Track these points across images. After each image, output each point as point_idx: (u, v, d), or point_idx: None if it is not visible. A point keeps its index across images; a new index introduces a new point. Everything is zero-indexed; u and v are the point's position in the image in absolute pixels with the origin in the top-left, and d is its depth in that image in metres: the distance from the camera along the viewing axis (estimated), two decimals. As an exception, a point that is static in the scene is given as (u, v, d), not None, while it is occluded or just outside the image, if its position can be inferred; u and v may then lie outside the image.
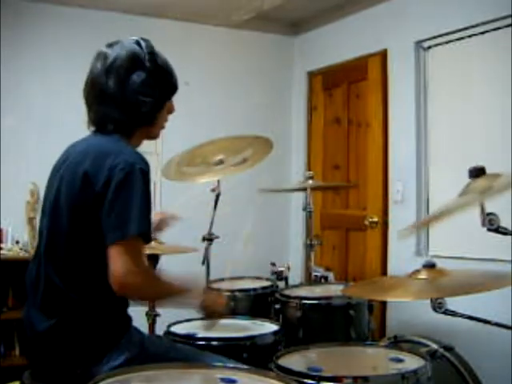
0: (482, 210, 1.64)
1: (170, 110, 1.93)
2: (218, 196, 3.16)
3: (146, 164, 1.72)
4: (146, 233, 1.67)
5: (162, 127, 1.94)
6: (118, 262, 1.61)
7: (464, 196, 1.73)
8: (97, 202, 1.65)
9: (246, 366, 1.77)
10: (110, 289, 1.68)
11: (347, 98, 4.43)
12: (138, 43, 1.82)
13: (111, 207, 1.63)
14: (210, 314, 2.00)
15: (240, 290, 3.00)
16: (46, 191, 1.84)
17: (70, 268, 1.69)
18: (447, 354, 2.25)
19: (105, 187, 1.64)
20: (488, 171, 1.74)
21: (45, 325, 1.68)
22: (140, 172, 1.67)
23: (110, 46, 1.82)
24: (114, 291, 1.63)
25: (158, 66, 1.81)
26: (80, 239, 1.69)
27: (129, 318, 1.79)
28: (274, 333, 2.31)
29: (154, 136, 1.92)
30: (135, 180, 1.65)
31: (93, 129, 1.84)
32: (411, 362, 1.84)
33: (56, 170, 1.83)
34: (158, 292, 1.78)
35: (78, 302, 1.68)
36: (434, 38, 3.71)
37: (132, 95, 1.76)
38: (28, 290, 1.78)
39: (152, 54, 1.81)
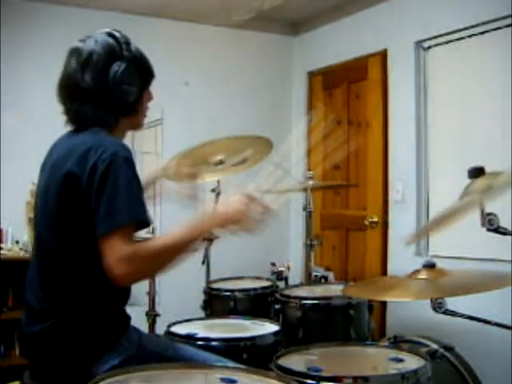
0: (482, 210, 1.64)
1: (149, 98, 1.91)
2: (217, 196, 3.16)
3: (128, 150, 1.70)
4: (138, 219, 1.63)
5: (144, 116, 1.91)
6: (109, 254, 1.57)
7: (465, 198, 1.73)
8: (84, 199, 1.63)
9: (245, 366, 1.77)
10: (107, 288, 1.68)
11: (347, 98, 4.43)
12: (110, 35, 1.79)
13: (98, 200, 1.60)
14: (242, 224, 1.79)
15: (240, 290, 3.00)
16: (36, 192, 1.84)
17: (66, 268, 1.69)
18: (447, 354, 2.25)
19: (89, 182, 1.61)
20: (487, 170, 1.74)
21: (43, 325, 1.68)
22: (123, 160, 1.64)
23: (82, 40, 1.80)
24: (113, 285, 1.60)
25: (135, 55, 1.81)
26: (73, 239, 1.68)
27: (127, 317, 1.79)
28: (274, 333, 2.31)
29: (138, 125, 1.91)
30: (119, 168, 1.62)
31: (72, 127, 1.81)
32: (411, 362, 1.84)
33: (41, 170, 1.83)
34: (163, 262, 1.66)
35: (76, 302, 1.67)
36: (434, 37, 3.71)
37: (115, 86, 1.74)
38: (27, 291, 1.78)
39: (127, 43, 1.80)
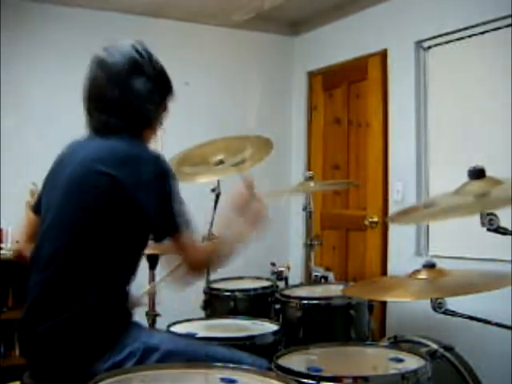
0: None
1: (165, 109, 1.95)
2: (217, 196, 3.16)
3: (166, 162, 1.81)
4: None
5: (161, 125, 1.97)
6: (186, 249, 1.80)
7: (458, 196, 1.72)
8: (126, 204, 1.69)
9: (248, 361, 1.78)
10: (109, 285, 1.70)
11: (347, 98, 4.43)
12: (135, 48, 1.83)
13: (156, 207, 1.73)
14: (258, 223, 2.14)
15: (240, 290, 3.00)
16: (46, 195, 1.84)
17: (71, 268, 1.69)
18: (447, 354, 2.25)
19: (136, 189, 1.70)
20: (488, 173, 1.74)
21: (47, 324, 1.68)
22: (164, 166, 1.78)
23: (106, 50, 1.82)
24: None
25: (157, 71, 1.85)
26: (87, 238, 1.70)
27: (129, 314, 1.79)
28: (274, 333, 2.31)
29: (154, 137, 1.96)
30: (166, 174, 1.76)
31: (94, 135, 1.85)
32: (411, 362, 1.84)
33: (60, 166, 1.84)
34: (217, 261, 1.98)
35: (78, 301, 1.68)
36: (434, 37, 3.71)
37: (136, 102, 1.79)
38: (29, 290, 1.78)
39: (150, 59, 1.84)
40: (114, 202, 1.71)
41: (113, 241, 1.72)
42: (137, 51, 1.82)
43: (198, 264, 1.87)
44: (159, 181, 1.74)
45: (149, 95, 1.81)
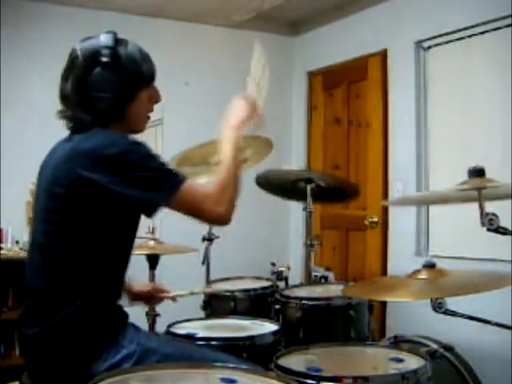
0: (482, 209, 1.64)
1: (152, 99, 1.87)
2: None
3: (126, 137, 1.74)
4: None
5: (146, 117, 1.89)
6: (196, 203, 1.71)
7: (461, 190, 1.73)
8: (103, 193, 1.64)
9: (246, 366, 1.77)
10: (104, 286, 1.70)
11: (347, 98, 4.43)
12: (99, 38, 1.78)
13: (137, 179, 1.65)
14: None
15: (240, 290, 2.99)
16: (35, 193, 1.84)
17: (65, 267, 1.69)
18: (447, 354, 2.25)
19: (113, 179, 1.64)
20: (488, 173, 1.74)
21: (42, 326, 1.68)
22: (128, 139, 1.71)
23: (81, 41, 1.81)
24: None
25: (116, 59, 1.75)
26: (74, 238, 1.69)
27: (125, 315, 1.79)
28: (274, 333, 2.31)
29: (136, 129, 1.87)
30: (136, 152, 1.68)
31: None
32: (411, 362, 1.84)
33: (40, 172, 1.83)
34: (234, 180, 1.86)
35: (73, 302, 1.67)
36: (434, 37, 3.71)
37: (88, 93, 1.73)
38: (25, 291, 1.78)
39: (108, 47, 1.75)
40: (89, 199, 1.66)
41: (98, 240, 1.70)
42: (98, 40, 1.77)
43: (221, 203, 1.74)
44: (124, 159, 1.65)
45: (101, 85, 1.72)
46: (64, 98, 1.77)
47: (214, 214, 1.73)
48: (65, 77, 1.76)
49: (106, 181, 1.64)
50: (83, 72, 1.74)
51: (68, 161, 1.70)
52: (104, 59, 1.74)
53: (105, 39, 1.76)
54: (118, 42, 1.78)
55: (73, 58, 1.77)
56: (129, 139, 1.72)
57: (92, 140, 1.70)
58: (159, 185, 1.67)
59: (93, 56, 1.75)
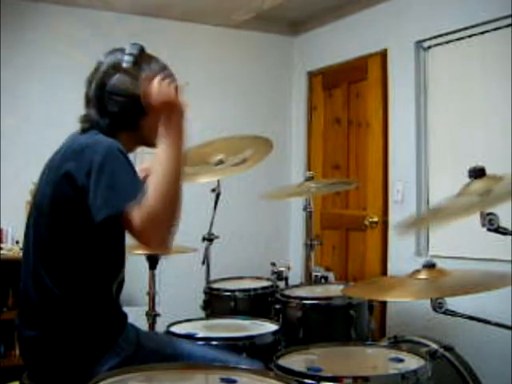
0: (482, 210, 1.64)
1: (146, 114, 1.84)
2: (218, 196, 3.16)
3: (120, 146, 1.69)
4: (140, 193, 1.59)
5: (155, 133, 1.79)
6: (130, 227, 1.55)
7: (462, 197, 1.73)
8: (82, 196, 1.62)
9: (245, 365, 1.78)
10: (103, 288, 1.70)
11: (347, 98, 4.43)
12: (126, 48, 1.81)
13: (96, 187, 1.59)
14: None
15: (240, 290, 3.00)
16: (33, 197, 1.85)
17: (60, 270, 1.69)
18: (447, 354, 2.25)
19: (87, 177, 1.62)
20: (488, 172, 1.74)
21: (40, 329, 1.67)
22: (117, 150, 1.65)
23: (107, 53, 1.84)
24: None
25: (138, 67, 1.78)
26: (67, 240, 1.69)
27: (124, 316, 1.79)
28: (274, 333, 2.31)
29: (148, 143, 1.86)
30: (115, 157, 1.64)
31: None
32: (411, 362, 1.84)
33: (42, 173, 1.85)
34: (171, 192, 1.62)
35: (71, 304, 1.67)
36: (434, 37, 3.71)
37: (107, 95, 1.76)
38: (21, 294, 1.78)
39: (132, 55, 1.79)
40: (75, 196, 1.66)
41: (92, 239, 1.69)
42: (126, 51, 1.80)
43: (154, 220, 1.55)
44: (102, 165, 1.61)
45: (118, 89, 1.76)
46: (87, 95, 1.82)
47: (143, 238, 1.58)
48: (90, 79, 1.81)
49: (75, 170, 1.64)
50: (106, 76, 1.78)
51: (60, 158, 1.74)
52: (125, 65, 1.78)
53: (130, 48, 1.81)
54: (142, 52, 1.82)
55: (98, 64, 1.82)
56: (117, 144, 1.69)
57: (83, 140, 1.73)
58: (111, 199, 1.58)
59: (116, 63, 1.79)
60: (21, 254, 3.78)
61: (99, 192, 1.59)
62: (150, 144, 1.84)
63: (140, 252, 2.75)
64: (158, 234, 1.57)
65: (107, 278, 1.76)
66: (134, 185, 1.61)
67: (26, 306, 1.74)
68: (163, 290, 3.31)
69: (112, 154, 1.64)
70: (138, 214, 1.54)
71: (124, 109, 1.77)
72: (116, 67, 1.78)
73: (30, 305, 1.72)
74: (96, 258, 1.71)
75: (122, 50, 1.82)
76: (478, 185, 1.71)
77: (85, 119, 1.81)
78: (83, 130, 1.80)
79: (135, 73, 1.78)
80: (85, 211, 1.62)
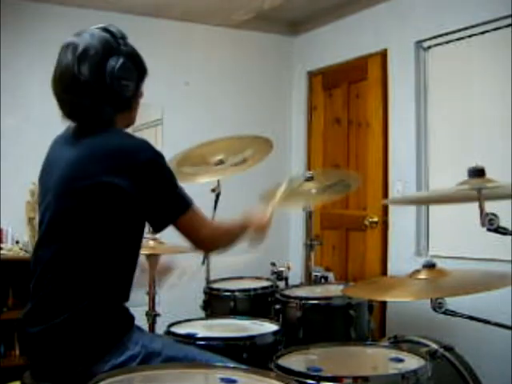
0: (482, 209, 1.64)
1: (141, 95, 1.90)
2: (217, 196, 3.16)
3: (152, 147, 1.77)
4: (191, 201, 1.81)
5: (136, 112, 1.91)
6: (197, 229, 1.81)
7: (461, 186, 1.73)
8: (122, 198, 1.67)
9: (245, 366, 1.77)
10: (112, 287, 1.70)
11: (347, 98, 4.43)
12: (106, 30, 1.78)
13: (157, 194, 1.71)
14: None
15: (240, 290, 3.00)
16: (41, 197, 1.83)
17: (72, 268, 1.69)
18: (447, 354, 2.25)
19: (136, 185, 1.68)
20: (488, 173, 1.74)
21: (47, 324, 1.68)
22: (160, 155, 1.75)
23: (77, 35, 1.78)
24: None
25: (131, 50, 1.80)
26: (85, 238, 1.69)
27: (131, 317, 1.79)
28: (274, 333, 2.31)
29: (131, 122, 1.90)
30: (161, 165, 1.74)
31: (70, 121, 1.81)
32: (411, 362, 1.84)
33: (48, 167, 1.83)
34: (232, 236, 1.97)
35: (79, 302, 1.67)
36: (434, 37, 3.71)
37: (112, 81, 1.73)
38: (31, 289, 1.78)
39: (123, 38, 1.79)
40: (105, 202, 1.68)
41: (109, 241, 1.70)
42: (108, 31, 1.78)
43: (215, 239, 1.91)
44: (150, 168, 1.70)
45: (122, 73, 1.74)
46: (77, 83, 1.72)
47: (205, 242, 1.89)
48: (77, 64, 1.71)
49: (127, 186, 1.66)
50: (101, 60, 1.72)
51: (88, 161, 1.71)
52: (123, 49, 1.77)
53: (116, 30, 1.79)
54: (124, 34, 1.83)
55: (85, 47, 1.72)
56: (152, 146, 1.75)
57: (115, 141, 1.73)
58: (173, 205, 1.75)
59: (109, 45, 1.75)
60: (21, 253, 3.81)
61: (159, 196, 1.72)
62: (132, 123, 1.90)
63: (140, 252, 2.75)
64: (216, 248, 1.99)
65: (122, 278, 1.77)
66: (182, 189, 1.79)
67: (36, 301, 1.73)
68: (163, 290, 3.31)
69: (152, 157, 1.72)
70: (210, 225, 1.89)
71: (127, 93, 1.77)
72: (111, 49, 1.74)
73: (42, 300, 1.71)
74: (117, 257, 1.73)
75: (105, 31, 1.77)
76: (477, 181, 1.70)
77: (75, 107, 1.76)
78: (89, 127, 1.76)
79: (129, 52, 1.78)
80: (114, 213, 1.68)
